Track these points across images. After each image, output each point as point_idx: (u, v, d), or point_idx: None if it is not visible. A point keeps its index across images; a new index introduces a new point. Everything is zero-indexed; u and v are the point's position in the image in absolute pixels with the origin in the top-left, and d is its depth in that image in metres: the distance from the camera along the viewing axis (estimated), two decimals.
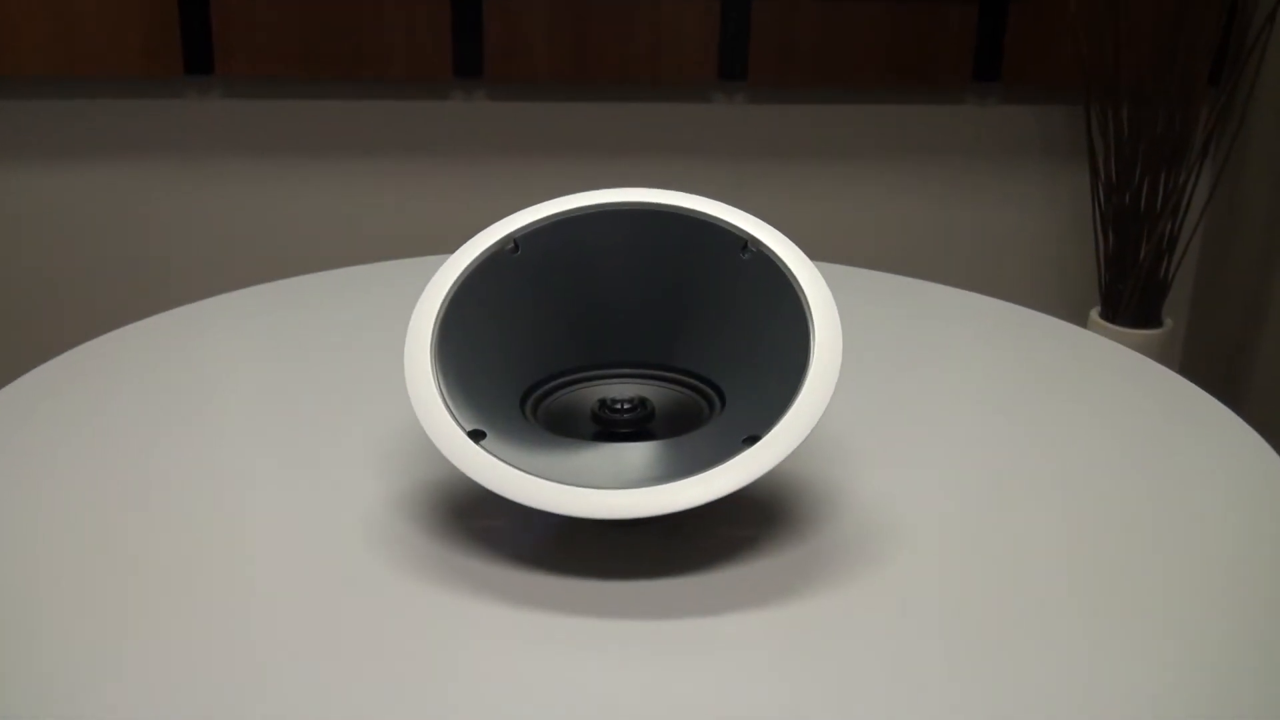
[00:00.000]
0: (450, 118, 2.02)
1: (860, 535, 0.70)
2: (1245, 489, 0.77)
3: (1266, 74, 1.93)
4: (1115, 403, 0.88)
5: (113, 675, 0.57)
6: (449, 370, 0.69)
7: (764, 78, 1.98)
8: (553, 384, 0.74)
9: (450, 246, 2.05)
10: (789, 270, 0.72)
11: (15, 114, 1.98)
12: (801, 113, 2.04)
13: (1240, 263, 2.02)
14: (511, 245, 0.75)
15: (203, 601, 0.63)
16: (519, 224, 0.76)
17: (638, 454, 0.66)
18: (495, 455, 0.65)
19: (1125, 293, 1.92)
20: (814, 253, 2.10)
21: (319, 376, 0.90)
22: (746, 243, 0.74)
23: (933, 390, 0.90)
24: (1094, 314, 1.99)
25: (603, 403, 0.73)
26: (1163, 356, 1.92)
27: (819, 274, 0.72)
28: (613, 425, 0.72)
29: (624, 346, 0.76)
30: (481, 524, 0.70)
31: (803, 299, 0.70)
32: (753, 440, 0.64)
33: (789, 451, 0.64)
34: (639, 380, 0.75)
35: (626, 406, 0.72)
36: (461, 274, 0.73)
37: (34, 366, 0.90)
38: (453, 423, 0.66)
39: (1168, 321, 1.97)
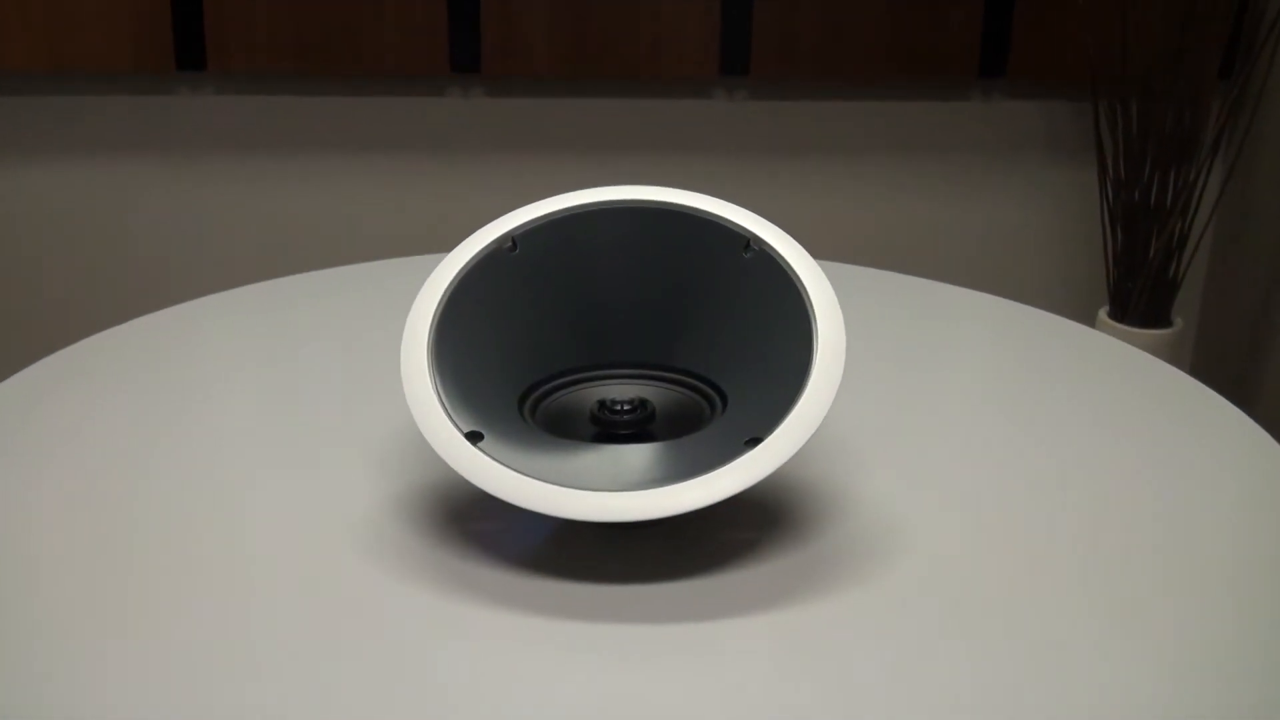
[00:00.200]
0: (447, 114, 2.02)
1: (864, 538, 0.70)
2: (1257, 491, 0.77)
3: (1279, 68, 1.93)
4: (1124, 404, 0.88)
5: (105, 677, 0.57)
6: (446, 371, 0.69)
7: (766, 73, 1.98)
8: (551, 385, 0.75)
9: (447, 245, 2.05)
10: (791, 269, 0.72)
11: (4, 110, 1.98)
12: (804, 109, 2.04)
13: (1252, 261, 2.02)
14: (510, 244, 0.75)
15: (195, 604, 0.63)
16: (517, 222, 0.76)
17: (638, 456, 0.67)
18: (493, 457, 0.65)
19: (1134, 292, 1.92)
20: (817, 251, 2.09)
21: (314, 377, 0.90)
22: (748, 241, 0.74)
23: (938, 391, 0.90)
24: (1102, 313, 2.00)
25: (602, 404, 0.73)
26: (1172, 357, 1.92)
27: (822, 273, 0.72)
28: (612, 427, 0.72)
29: (624, 346, 0.76)
30: (479, 527, 0.70)
31: (805, 298, 0.70)
32: (755, 442, 0.64)
33: (791, 453, 0.64)
34: (639, 381, 0.75)
35: (626, 407, 0.72)
36: (459, 273, 0.73)
37: (24, 367, 0.90)
38: (450, 424, 0.66)
39: (1177, 321, 1.97)
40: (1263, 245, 1.99)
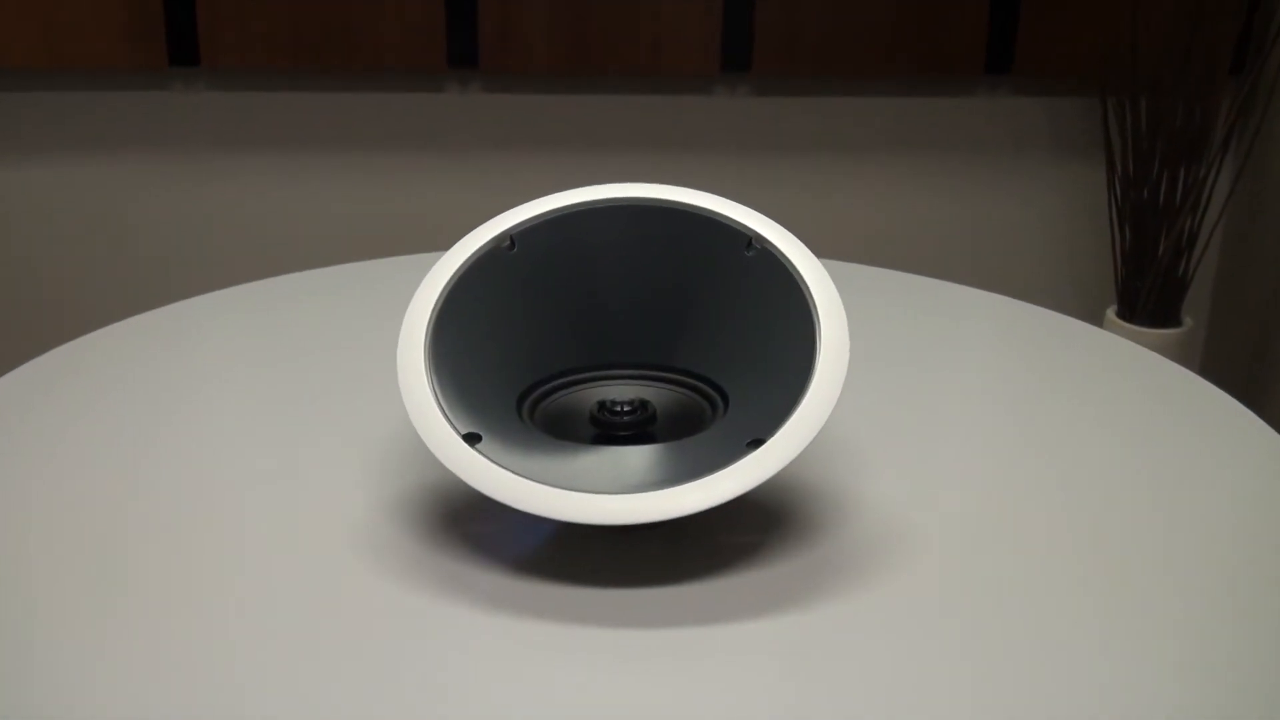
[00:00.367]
0: (445, 110, 2.02)
1: (868, 541, 0.70)
2: (1268, 493, 0.77)
3: None
4: (1132, 405, 0.88)
5: (98, 679, 0.57)
6: (443, 371, 0.69)
7: (768, 69, 1.99)
8: (550, 385, 0.75)
9: (445, 243, 2.05)
10: (794, 268, 0.72)
11: None
12: (807, 106, 2.05)
13: (1263, 260, 2.02)
14: (508, 242, 0.75)
15: (189, 607, 0.63)
16: (515, 220, 0.76)
17: (638, 458, 0.67)
18: (491, 459, 0.65)
19: (1143, 291, 1.92)
20: (820, 250, 2.10)
21: (309, 377, 0.90)
22: (750, 239, 0.74)
23: (943, 392, 0.90)
24: (1110, 313, 2.00)
25: (602, 405, 0.73)
26: (1182, 357, 1.92)
27: (825, 271, 0.72)
28: (612, 428, 0.72)
29: (624, 347, 0.76)
30: (476, 529, 0.70)
31: (808, 297, 0.70)
32: (757, 443, 0.64)
33: (794, 455, 0.64)
34: (639, 382, 0.75)
35: (626, 409, 0.72)
36: (456, 272, 0.73)
37: (17, 366, 0.90)
38: (447, 425, 0.67)
39: (1187, 321, 1.97)
40: (1273, 243, 1.99)
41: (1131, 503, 0.75)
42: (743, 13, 1.95)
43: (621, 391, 0.74)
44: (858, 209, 2.10)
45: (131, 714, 0.56)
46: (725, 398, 0.72)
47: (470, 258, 0.74)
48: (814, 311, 0.70)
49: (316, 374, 0.91)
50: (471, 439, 0.66)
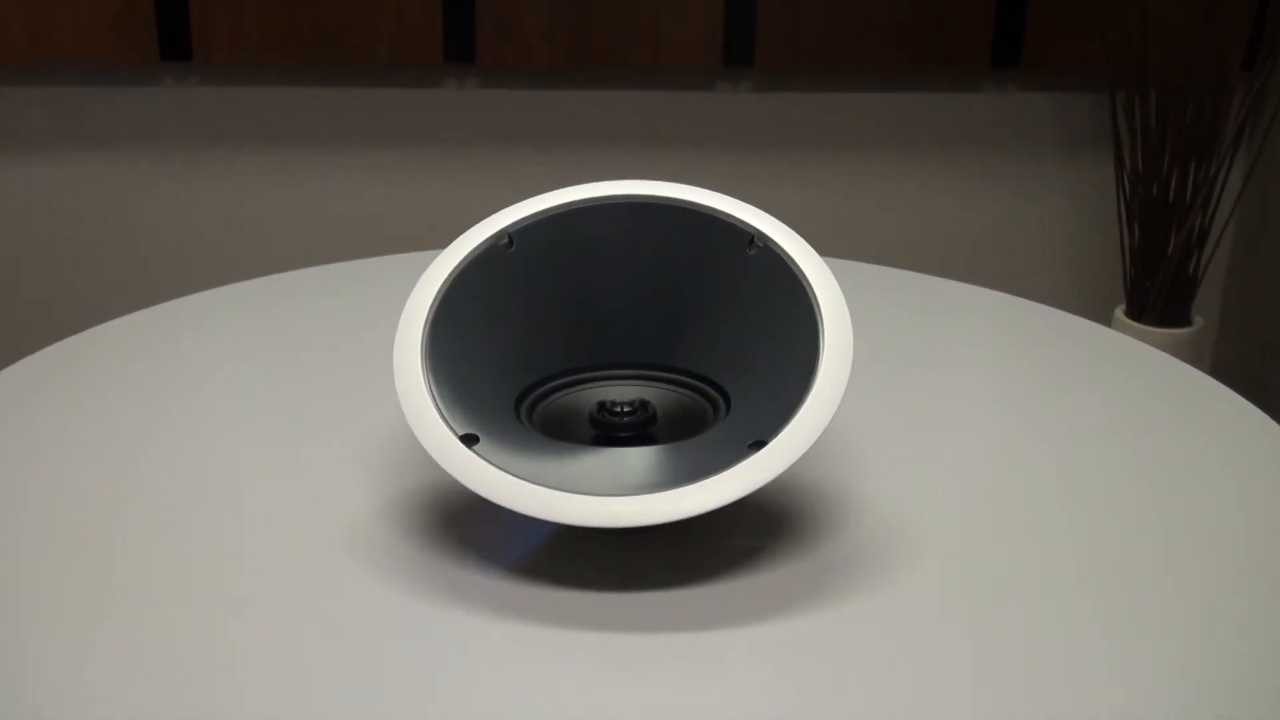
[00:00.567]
0: (441, 106, 2.02)
1: (871, 544, 0.70)
2: (1279, 495, 0.77)
3: None
4: (1141, 406, 0.88)
5: (89, 682, 0.58)
6: (440, 371, 0.69)
7: (771, 64, 1.99)
8: (549, 386, 0.75)
9: (442, 241, 2.05)
10: (797, 266, 0.72)
11: None
12: (810, 101, 2.05)
13: (1274, 258, 2.03)
14: (506, 240, 0.75)
15: (181, 610, 0.63)
16: (514, 218, 0.76)
17: (638, 459, 0.67)
18: (489, 460, 0.65)
19: (1152, 290, 1.93)
20: (823, 248, 2.10)
21: (304, 377, 0.90)
22: (752, 237, 0.74)
23: (948, 392, 0.90)
24: (1119, 312, 2.00)
25: (601, 405, 0.73)
26: (1192, 357, 1.92)
27: (828, 270, 0.72)
28: (612, 429, 0.72)
29: (624, 347, 0.76)
30: (474, 532, 0.70)
31: (811, 296, 0.71)
32: (759, 445, 0.65)
33: (797, 457, 0.64)
34: (639, 382, 0.76)
35: (626, 409, 0.72)
36: (453, 270, 0.74)
37: (7, 365, 0.90)
38: (444, 426, 0.67)
39: (1197, 320, 1.97)
40: None
41: (1140, 505, 0.75)
42: (745, 6, 1.95)
43: (621, 392, 0.75)
44: (862, 206, 2.10)
45: (124, 716, 0.56)
46: (726, 398, 0.72)
47: (468, 256, 0.74)
48: (817, 310, 0.70)
49: (311, 374, 0.91)
50: (469, 440, 0.66)
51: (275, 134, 2.02)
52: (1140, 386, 0.91)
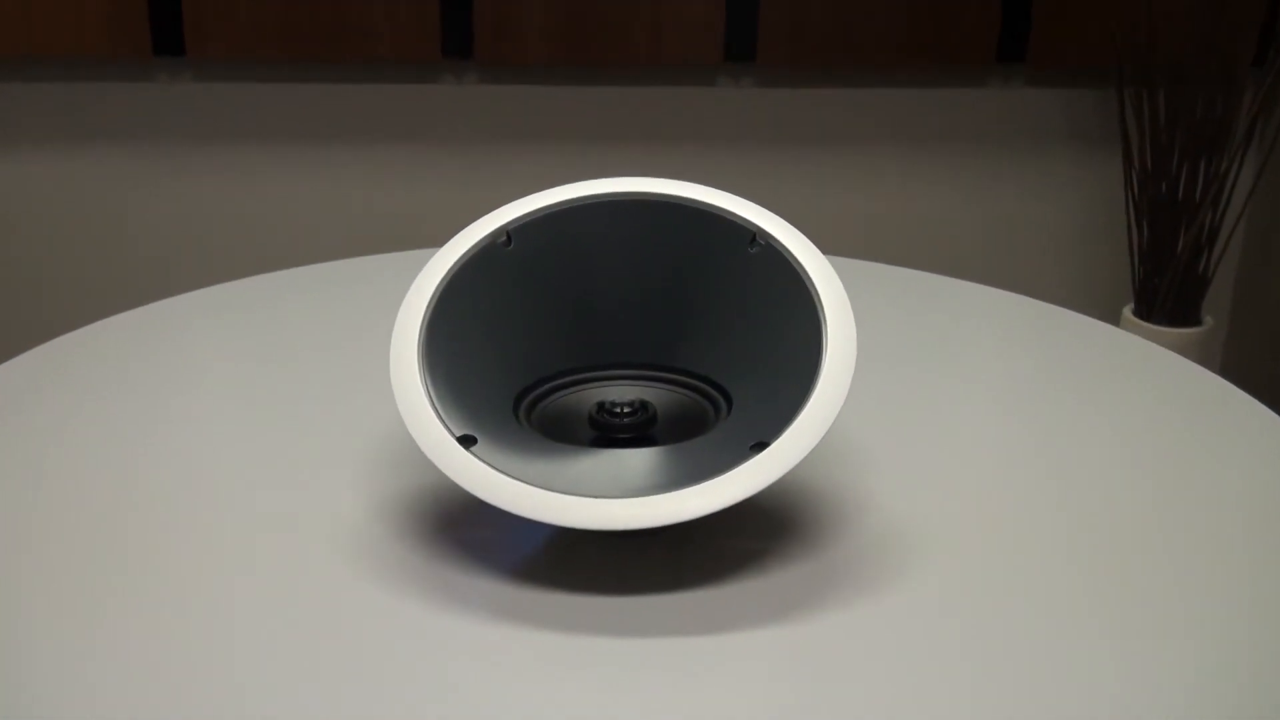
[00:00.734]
0: (438, 102, 2.02)
1: (875, 547, 0.70)
2: None
3: None
4: (1150, 407, 0.88)
5: (82, 685, 0.58)
6: (438, 372, 0.70)
7: (773, 59, 1.99)
8: (548, 386, 0.75)
9: (439, 240, 2.05)
10: (800, 265, 0.72)
11: None
12: (813, 97, 2.05)
13: None
14: (504, 238, 0.75)
15: (174, 614, 0.63)
16: (512, 216, 0.76)
17: (638, 461, 0.67)
18: (487, 462, 0.65)
19: (1161, 289, 1.93)
20: (826, 246, 2.10)
21: (299, 378, 0.90)
22: (754, 235, 0.74)
23: (953, 393, 0.90)
24: (1127, 311, 2.00)
25: (601, 406, 0.73)
26: (1202, 357, 1.92)
27: (832, 269, 0.72)
28: (612, 430, 0.72)
29: (624, 346, 0.76)
30: (472, 535, 0.70)
31: (814, 295, 0.71)
32: (761, 446, 0.65)
33: (800, 458, 0.64)
34: (640, 383, 0.76)
35: (626, 410, 0.73)
36: (451, 269, 0.74)
37: None
38: (441, 428, 0.67)
39: (1207, 319, 1.97)
40: None
41: (1149, 508, 0.75)
42: (747, 0, 1.95)
43: (621, 392, 0.75)
44: (865, 204, 2.10)
45: (118, 718, 0.56)
46: (728, 399, 0.73)
47: (465, 254, 0.74)
48: (820, 310, 0.70)
49: (307, 374, 0.91)
50: (466, 441, 0.66)
51: (270, 131, 2.02)
52: (1149, 387, 0.91)
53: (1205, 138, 1.85)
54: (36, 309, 2.08)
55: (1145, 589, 0.67)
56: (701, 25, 1.95)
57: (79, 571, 0.67)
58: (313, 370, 0.92)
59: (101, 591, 0.65)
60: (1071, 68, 2.03)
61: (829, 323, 0.69)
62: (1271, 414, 0.87)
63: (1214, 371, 0.94)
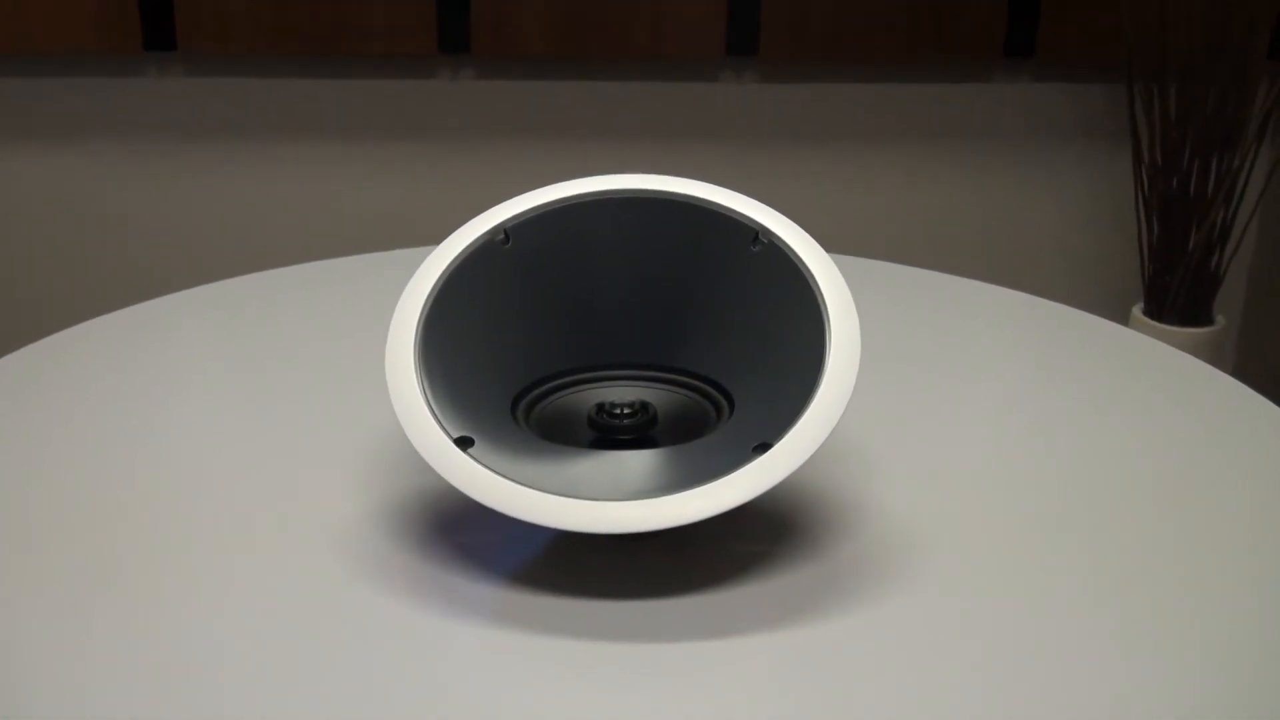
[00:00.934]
0: (435, 98, 2.02)
1: (880, 550, 0.70)
2: None
3: None
4: (1160, 409, 0.88)
5: (70, 692, 0.58)
6: (434, 372, 0.70)
7: (776, 54, 1.99)
8: (546, 387, 0.75)
9: (436, 238, 2.05)
10: (802, 263, 0.72)
11: None
12: (817, 92, 2.05)
13: None
14: (502, 236, 0.76)
15: (164, 621, 0.63)
16: (510, 213, 0.76)
17: (639, 463, 0.67)
18: (484, 464, 0.65)
19: (1172, 287, 1.93)
20: (830, 244, 2.10)
21: (293, 378, 0.91)
22: (757, 234, 0.74)
23: (959, 394, 0.91)
24: (1137, 310, 2.00)
25: (601, 407, 0.73)
26: (1214, 357, 1.93)
27: (835, 267, 0.72)
28: (612, 432, 0.72)
29: (624, 346, 0.76)
30: (469, 539, 0.70)
31: (818, 294, 0.71)
32: (764, 448, 0.65)
33: (803, 460, 0.64)
34: (640, 383, 0.76)
35: (626, 411, 0.73)
36: (448, 268, 0.74)
37: None
38: (438, 429, 0.67)
39: (1219, 319, 1.97)
40: None
41: (1159, 512, 0.75)
42: None
43: (621, 393, 0.75)
44: (869, 201, 2.10)
45: None
46: (730, 400, 0.73)
47: (462, 253, 0.75)
48: (823, 309, 0.70)
49: (300, 375, 0.91)
50: (464, 443, 0.66)
51: (262, 127, 2.02)
52: (1159, 388, 0.92)
53: (1217, 133, 1.85)
54: (22, 308, 2.08)
55: (1156, 593, 0.67)
56: (703, 19, 1.95)
57: (67, 574, 0.67)
58: (306, 371, 0.92)
59: (90, 595, 0.65)
60: (1080, 62, 2.03)
61: (832, 322, 0.69)
62: None
63: (1226, 373, 0.94)
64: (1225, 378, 0.93)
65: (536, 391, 0.74)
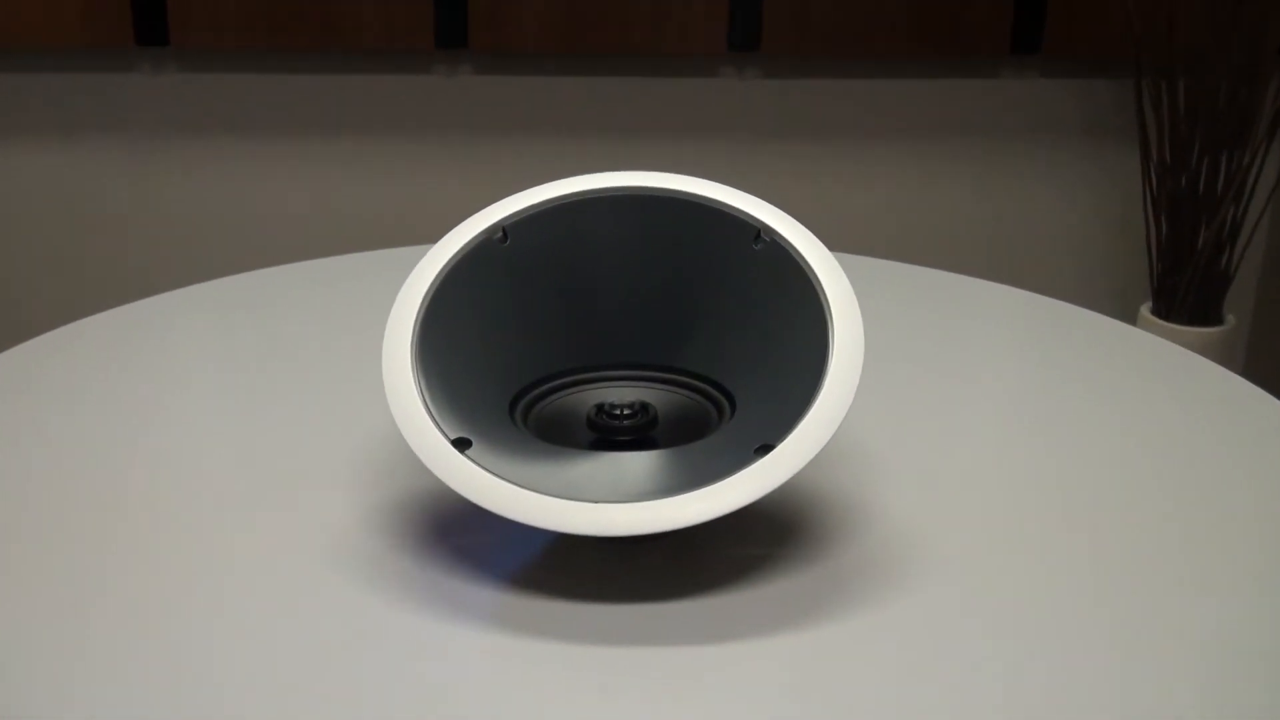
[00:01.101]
0: (432, 93, 2.02)
1: (884, 554, 0.70)
2: None
3: None
4: (1169, 409, 0.88)
5: (63, 691, 0.58)
6: (431, 372, 0.70)
7: (778, 49, 1.99)
8: (545, 388, 0.75)
9: (433, 236, 2.05)
10: (805, 262, 0.72)
11: None
12: (820, 89, 2.05)
13: None
14: (500, 235, 0.76)
15: (159, 623, 0.63)
16: (508, 211, 0.76)
17: (639, 465, 0.67)
18: (482, 466, 0.65)
19: (1181, 286, 1.93)
20: (833, 243, 2.10)
21: (288, 379, 0.91)
22: (759, 232, 0.74)
23: (964, 394, 0.91)
24: (1145, 310, 2.00)
25: (600, 408, 0.73)
26: (1223, 357, 1.93)
27: (838, 266, 0.72)
28: (611, 433, 0.72)
29: (623, 346, 0.76)
30: (467, 541, 0.70)
31: (820, 293, 0.71)
32: (765, 449, 0.65)
33: (805, 462, 0.64)
34: (640, 384, 0.76)
35: (626, 412, 0.73)
36: (445, 266, 0.74)
37: None
38: (435, 430, 0.67)
39: (1229, 318, 1.97)
40: None
41: (1168, 514, 0.75)
42: None
43: (621, 394, 0.75)
44: (873, 199, 2.10)
45: None
46: (731, 401, 0.73)
47: (460, 251, 0.75)
48: (826, 308, 0.70)
49: (296, 375, 0.91)
50: (461, 444, 0.67)
51: (256, 123, 2.02)
52: (1168, 389, 0.92)
53: (1227, 130, 1.85)
54: (12, 307, 2.08)
55: (1164, 597, 0.67)
56: (704, 14, 1.95)
57: (62, 576, 0.67)
58: (302, 371, 0.92)
59: (84, 598, 0.65)
60: (1088, 58, 2.03)
61: (835, 322, 0.69)
62: None
63: (1236, 373, 0.94)
64: (1235, 378, 0.93)
65: (535, 392, 0.75)
